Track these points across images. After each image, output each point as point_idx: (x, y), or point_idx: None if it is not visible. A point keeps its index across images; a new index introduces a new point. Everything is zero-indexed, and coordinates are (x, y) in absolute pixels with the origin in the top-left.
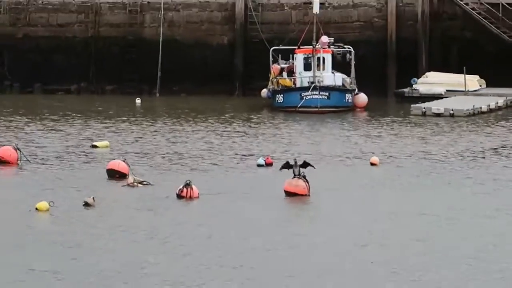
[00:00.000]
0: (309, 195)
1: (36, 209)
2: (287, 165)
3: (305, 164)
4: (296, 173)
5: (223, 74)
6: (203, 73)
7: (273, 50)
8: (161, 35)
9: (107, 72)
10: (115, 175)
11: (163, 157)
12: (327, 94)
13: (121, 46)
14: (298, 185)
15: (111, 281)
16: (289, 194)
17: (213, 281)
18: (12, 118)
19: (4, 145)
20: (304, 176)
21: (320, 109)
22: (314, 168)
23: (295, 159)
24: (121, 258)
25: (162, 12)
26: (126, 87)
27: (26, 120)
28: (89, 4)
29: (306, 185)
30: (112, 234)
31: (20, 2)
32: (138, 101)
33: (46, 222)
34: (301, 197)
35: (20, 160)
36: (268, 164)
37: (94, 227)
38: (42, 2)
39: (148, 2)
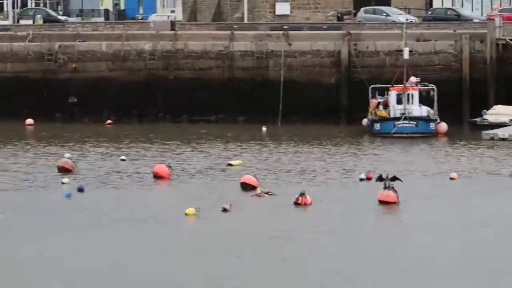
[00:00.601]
0: (398, 203)
1: (185, 214)
2: (380, 178)
3: (394, 178)
4: (387, 185)
5: (331, 107)
6: (315, 106)
7: (371, 88)
8: (282, 77)
9: (239, 106)
10: (247, 187)
11: (285, 172)
12: (415, 123)
13: (251, 86)
14: (389, 195)
15: (258, 272)
16: (382, 202)
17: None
18: (166, 142)
19: (159, 163)
20: (393, 188)
21: (409, 135)
22: (401, 181)
23: (386, 174)
24: (258, 252)
25: (283, 58)
26: (254, 118)
27: (177, 143)
28: (225, 52)
29: (396, 195)
30: (248, 233)
31: (170, 50)
32: (264, 129)
33: (194, 224)
34: (391, 204)
35: (172, 175)
36: (368, 179)
37: (232, 228)
38: (188, 51)
39: (272, 50)
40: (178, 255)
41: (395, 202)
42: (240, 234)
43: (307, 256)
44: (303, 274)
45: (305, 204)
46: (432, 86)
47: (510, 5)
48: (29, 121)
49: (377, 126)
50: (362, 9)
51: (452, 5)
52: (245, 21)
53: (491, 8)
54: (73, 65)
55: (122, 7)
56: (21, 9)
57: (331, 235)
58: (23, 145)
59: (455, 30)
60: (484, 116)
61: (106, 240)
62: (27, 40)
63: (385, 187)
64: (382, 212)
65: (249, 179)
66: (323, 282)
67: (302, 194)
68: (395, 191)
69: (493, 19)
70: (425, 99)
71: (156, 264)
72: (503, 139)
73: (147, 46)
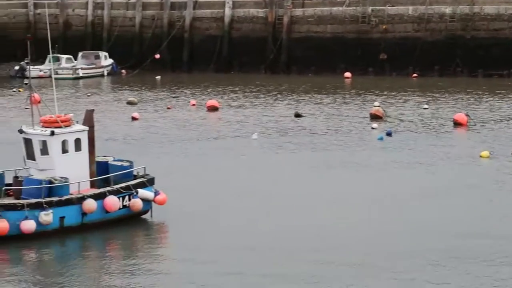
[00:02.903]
0: None
1: (480, 156)
2: None
3: None
4: None
5: None
6: None
7: None
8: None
9: None
10: None
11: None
12: None
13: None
14: None
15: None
16: None
17: None
18: (463, 93)
19: (459, 112)
20: None
21: None
22: None
23: None
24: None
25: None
26: None
27: (474, 94)
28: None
29: None
30: None
31: (468, 13)
32: None
33: (488, 166)
34: None
35: (469, 122)
36: None
37: None
38: (484, 14)
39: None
40: (478, 189)
41: None
42: None
43: None
44: None
45: None
46: None
47: None
48: (347, 74)
49: None
50: None
51: None
52: None
53: None
54: (384, 27)
55: None
56: None
57: None
58: (342, 94)
59: None
60: None
61: (414, 174)
62: (345, 5)
63: None
64: None
65: None
66: None
67: None
68: None
69: None
70: None
71: (459, 192)
72: None
73: (447, 10)
